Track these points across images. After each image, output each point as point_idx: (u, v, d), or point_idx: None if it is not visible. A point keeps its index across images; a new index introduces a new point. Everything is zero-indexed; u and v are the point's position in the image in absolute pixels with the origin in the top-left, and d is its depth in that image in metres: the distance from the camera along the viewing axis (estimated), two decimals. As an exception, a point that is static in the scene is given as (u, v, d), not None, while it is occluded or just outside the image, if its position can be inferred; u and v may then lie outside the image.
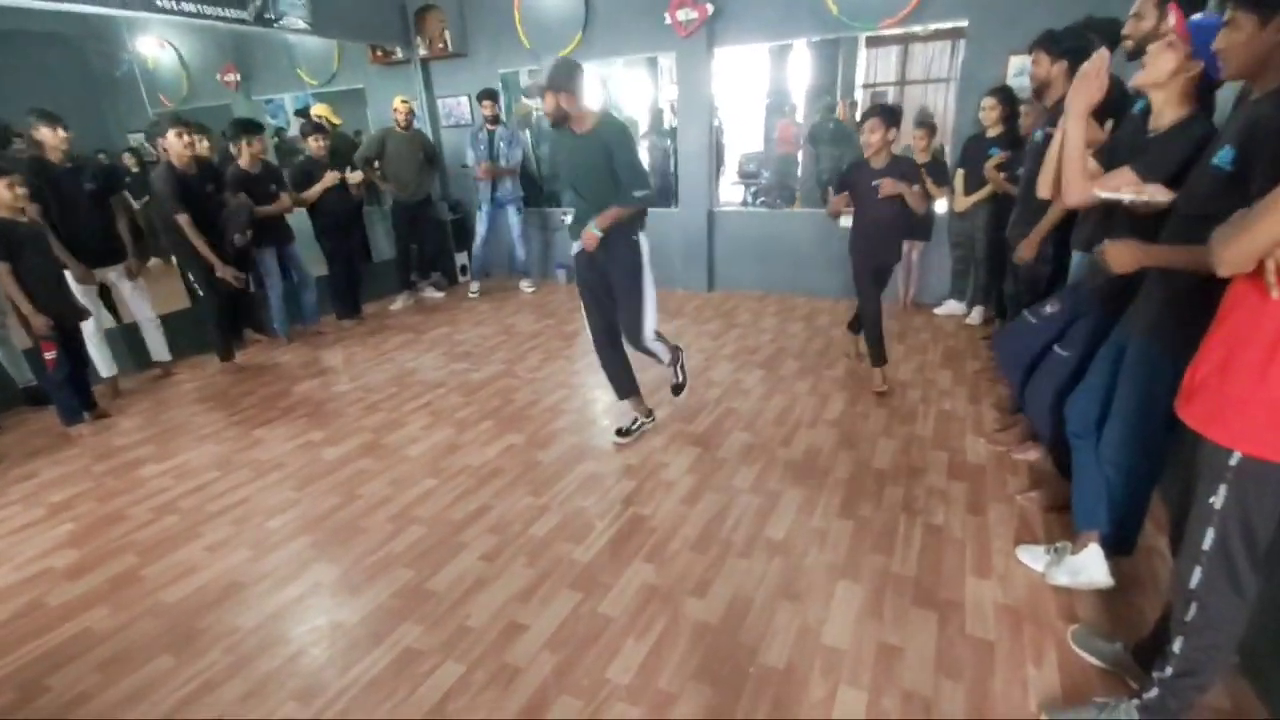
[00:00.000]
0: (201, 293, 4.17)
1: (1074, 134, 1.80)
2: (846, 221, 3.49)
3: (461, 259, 6.46)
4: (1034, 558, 2.09)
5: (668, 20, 5.08)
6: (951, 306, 4.76)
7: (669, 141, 6.25)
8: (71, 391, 3.43)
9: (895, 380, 3.61)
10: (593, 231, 2.69)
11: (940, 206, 4.58)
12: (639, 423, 3.15)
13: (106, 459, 3.18)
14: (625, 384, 3.11)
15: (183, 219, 3.87)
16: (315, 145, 4.81)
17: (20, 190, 3.11)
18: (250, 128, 4.40)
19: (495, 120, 5.48)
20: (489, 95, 5.44)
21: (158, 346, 4.22)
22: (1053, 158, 1.95)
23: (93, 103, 5.71)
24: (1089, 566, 1.90)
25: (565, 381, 3.90)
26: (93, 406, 3.61)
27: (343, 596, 2.14)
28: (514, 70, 6.16)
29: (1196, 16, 1.62)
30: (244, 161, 4.33)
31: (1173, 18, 1.75)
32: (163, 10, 4.16)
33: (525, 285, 6.13)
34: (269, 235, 4.52)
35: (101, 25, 5.05)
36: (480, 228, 5.81)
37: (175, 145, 3.84)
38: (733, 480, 2.72)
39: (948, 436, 3.00)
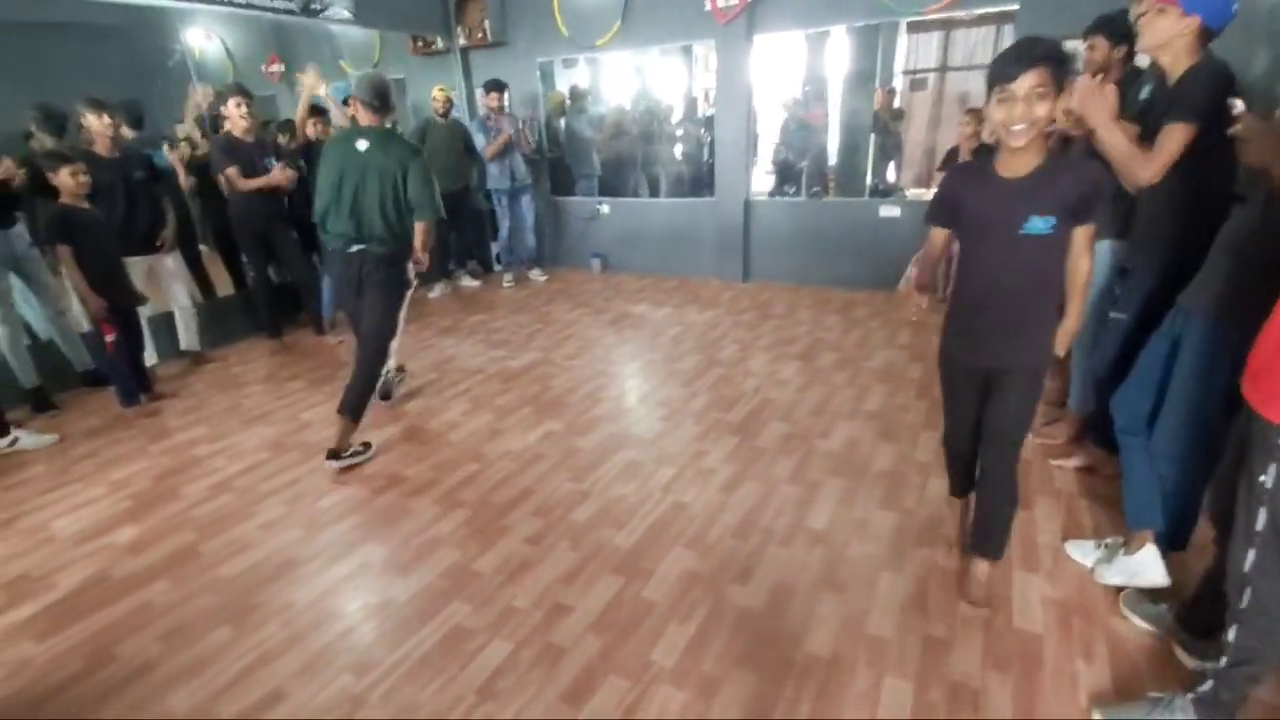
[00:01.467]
0: (252, 272, 4.32)
1: (1111, 139, 1.85)
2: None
3: (496, 247, 6.54)
4: (1083, 553, 2.06)
5: (707, 6, 5.04)
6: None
7: (703, 130, 6.22)
8: (129, 373, 3.57)
9: (935, 374, 3.55)
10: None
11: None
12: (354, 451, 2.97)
13: (162, 439, 3.30)
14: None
15: (231, 171, 4.03)
16: None
17: (83, 178, 3.23)
18: (317, 112, 4.67)
19: (499, 111, 5.54)
20: (495, 86, 5.51)
21: (189, 334, 4.24)
22: (1109, 152, 1.92)
23: (144, 94, 5.86)
24: (1145, 568, 1.86)
25: (602, 370, 3.93)
26: (149, 389, 3.75)
27: (391, 576, 2.20)
28: (551, 59, 6.18)
29: None
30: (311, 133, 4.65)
31: None
32: (214, 1, 4.27)
33: (536, 274, 6.19)
34: None
35: (153, 17, 5.17)
36: (504, 219, 5.90)
37: (234, 114, 4.03)
38: (772, 470, 2.72)
39: (991, 430, 2.95)
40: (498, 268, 6.47)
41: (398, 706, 1.70)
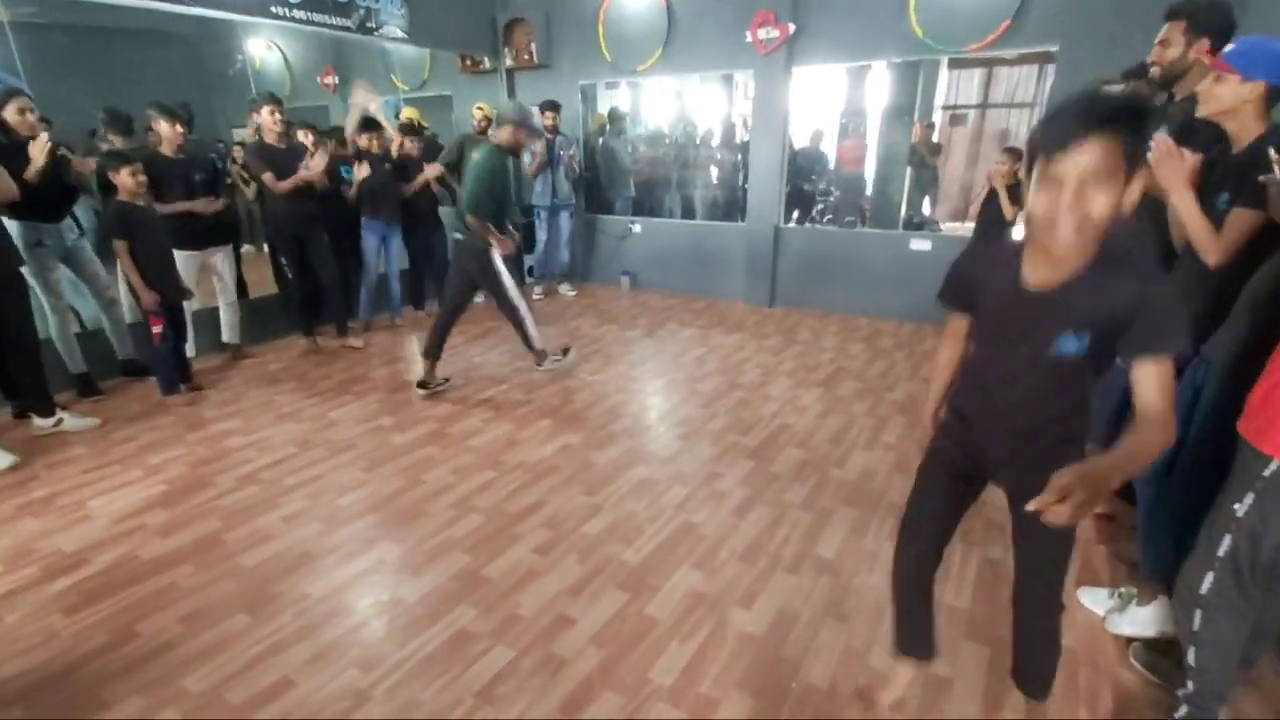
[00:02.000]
0: (290, 274, 4.47)
1: (1185, 206, 1.77)
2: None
3: (530, 260, 6.67)
4: (1096, 600, 2.02)
5: (748, 38, 5.14)
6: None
7: (739, 156, 6.30)
8: (172, 364, 3.73)
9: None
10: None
11: (1016, 233, 4.44)
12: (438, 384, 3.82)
13: (198, 429, 3.44)
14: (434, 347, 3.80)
15: (268, 176, 4.18)
16: (410, 145, 5.08)
17: (141, 178, 3.42)
18: (371, 125, 4.84)
19: (554, 130, 5.67)
20: (552, 106, 5.65)
21: (231, 329, 4.46)
22: (1180, 220, 1.86)
23: (205, 99, 6.17)
24: (1158, 621, 1.83)
25: (624, 386, 3.98)
26: (189, 379, 3.91)
27: (404, 575, 2.26)
28: (593, 82, 6.34)
29: (1231, 46, 1.68)
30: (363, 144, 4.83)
31: (1204, 56, 1.79)
32: (277, 16, 4.50)
33: (565, 289, 6.30)
34: (386, 215, 4.94)
35: (218, 27, 5.47)
36: (540, 234, 6.03)
37: (267, 120, 4.18)
38: (785, 495, 2.73)
39: (1011, 470, 2.91)
40: (530, 280, 6.60)
41: (400, 704, 1.74)
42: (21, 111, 3.28)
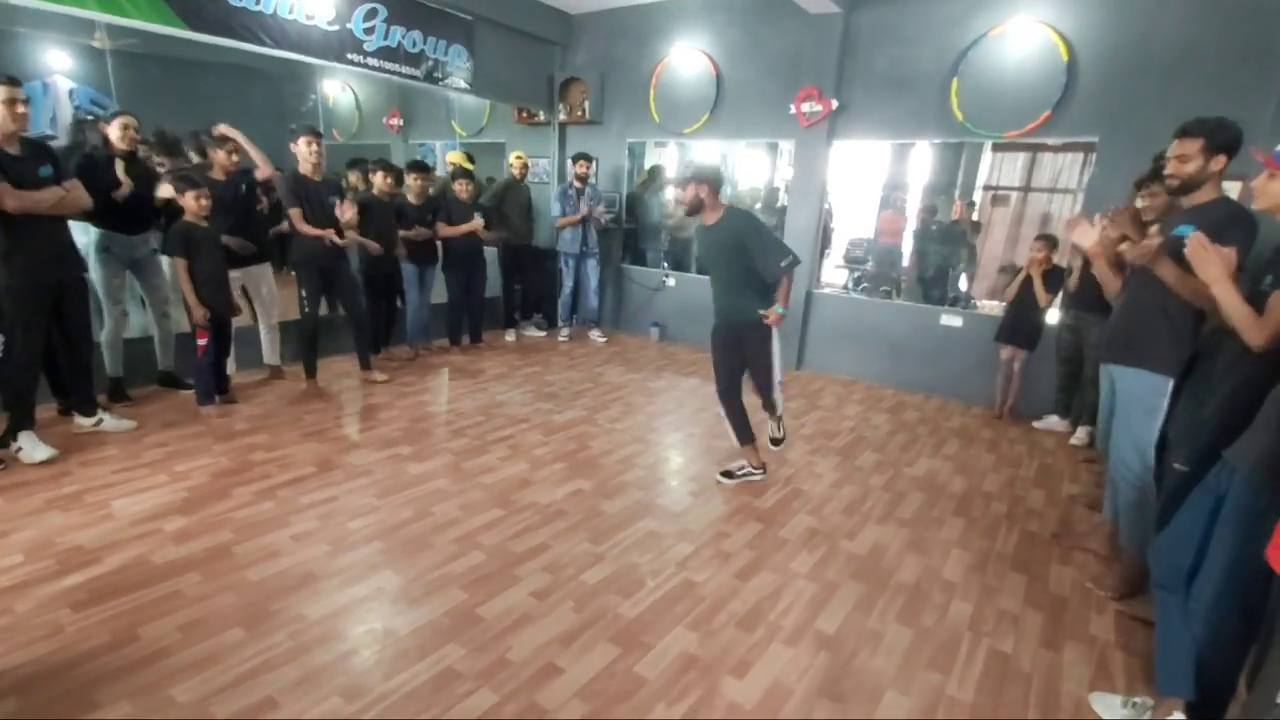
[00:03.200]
0: (307, 309, 4.35)
1: (1228, 297, 1.85)
2: None
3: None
4: (1108, 707, 1.91)
5: (792, 110, 5.30)
6: (1053, 422, 4.49)
7: (777, 219, 6.40)
8: (210, 375, 3.88)
9: (979, 491, 3.44)
10: (778, 311, 3.09)
11: (1051, 317, 4.40)
12: (745, 470, 3.41)
13: (226, 440, 3.55)
14: (745, 432, 3.42)
15: (295, 213, 4.15)
16: (462, 188, 5.33)
17: (205, 202, 3.64)
18: (420, 167, 5.11)
19: (584, 180, 5.88)
20: (584, 157, 5.90)
21: (272, 350, 4.62)
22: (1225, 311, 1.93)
23: (279, 131, 6.57)
24: (1171, 735, 1.72)
25: (642, 437, 3.98)
26: (225, 391, 4.05)
27: (400, 606, 2.27)
28: (641, 140, 6.58)
29: None
30: (411, 196, 5.09)
31: (1258, 156, 1.93)
32: (353, 63, 4.83)
33: (595, 335, 6.41)
34: (423, 255, 5.17)
35: (298, 67, 5.86)
36: (567, 280, 6.19)
37: (304, 152, 4.18)
38: (791, 563, 2.67)
39: (1030, 560, 2.81)
40: (560, 323, 6.73)
41: (378, 736, 1.73)
42: (125, 128, 3.58)
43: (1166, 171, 2.27)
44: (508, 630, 2.16)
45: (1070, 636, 2.31)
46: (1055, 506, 3.34)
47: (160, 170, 4.14)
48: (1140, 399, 2.37)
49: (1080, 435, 4.24)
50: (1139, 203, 3.29)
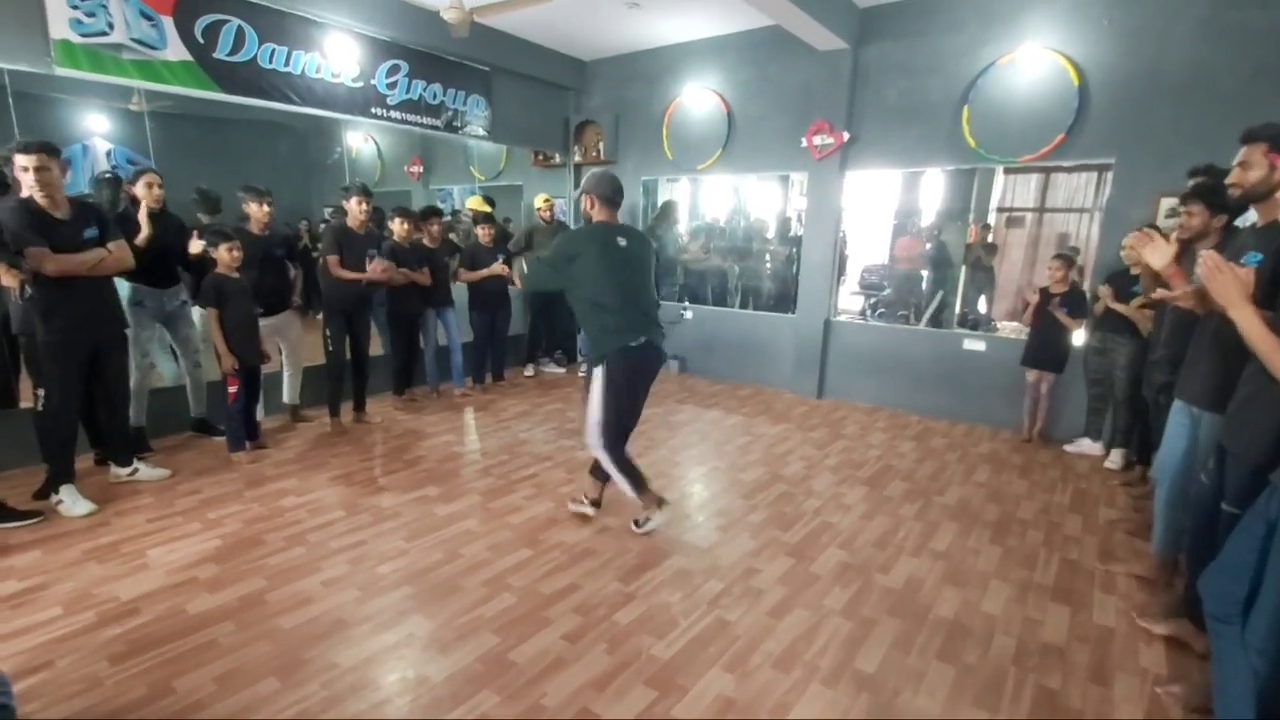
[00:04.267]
0: (332, 348, 4.53)
1: (1248, 321, 1.73)
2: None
3: (580, 341, 6.91)
4: (1167, 747, 1.84)
5: (804, 144, 5.37)
6: (1085, 445, 4.40)
7: (792, 249, 6.45)
8: (241, 422, 3.95)
9: (1014, 518, 3.36)
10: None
11: (1077, 339, 4.35)
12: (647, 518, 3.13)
13: (257, 486, 3.59)
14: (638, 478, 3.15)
15: (332, 259, 4.37)
16: (484, 233, 5.46)
17: (237, 254, 3.76)
18: (434, 213, 5.23)
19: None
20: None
21: (292, 391, 4.70)
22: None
23: (305, 182, 6.80)
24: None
25: (666, 471, 3.97)
26: (255, 437, 4.12)
27: (432, 652, 2.25)
28: (654, 178, 6.70)
29: None
30: (427, 240, 5.21)
31: None
32: (377, 116, 5.01)
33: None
34: (438, 299, 5.24)
35: (324, 122, 6.07)
36: None
37: (354, 209, 4.45)
38: (825, 599, 2.62)
39: (1071, 591, 2.73)
40: (580, 360, 6.78)
41: (414, 788, 1.70)
42: (149, 186, 3.73)
43: (1229, 180, 2.13)
44: (541, 675, 2.14)
45: (1120, 669, 2.23)
46: (1094, 533, 3.26)
47: (203, 223, 4.29)
48: None
49: (1114, 458, 4.15)
50: (1168, 221, 3.25)
